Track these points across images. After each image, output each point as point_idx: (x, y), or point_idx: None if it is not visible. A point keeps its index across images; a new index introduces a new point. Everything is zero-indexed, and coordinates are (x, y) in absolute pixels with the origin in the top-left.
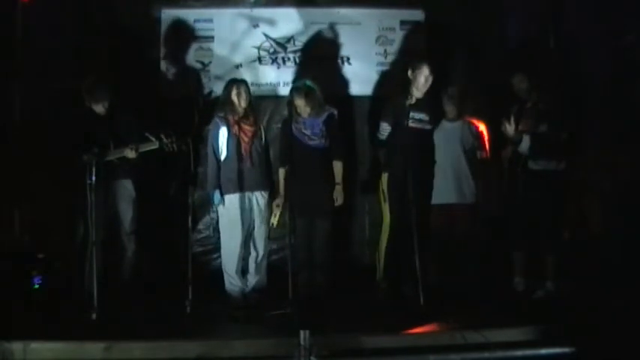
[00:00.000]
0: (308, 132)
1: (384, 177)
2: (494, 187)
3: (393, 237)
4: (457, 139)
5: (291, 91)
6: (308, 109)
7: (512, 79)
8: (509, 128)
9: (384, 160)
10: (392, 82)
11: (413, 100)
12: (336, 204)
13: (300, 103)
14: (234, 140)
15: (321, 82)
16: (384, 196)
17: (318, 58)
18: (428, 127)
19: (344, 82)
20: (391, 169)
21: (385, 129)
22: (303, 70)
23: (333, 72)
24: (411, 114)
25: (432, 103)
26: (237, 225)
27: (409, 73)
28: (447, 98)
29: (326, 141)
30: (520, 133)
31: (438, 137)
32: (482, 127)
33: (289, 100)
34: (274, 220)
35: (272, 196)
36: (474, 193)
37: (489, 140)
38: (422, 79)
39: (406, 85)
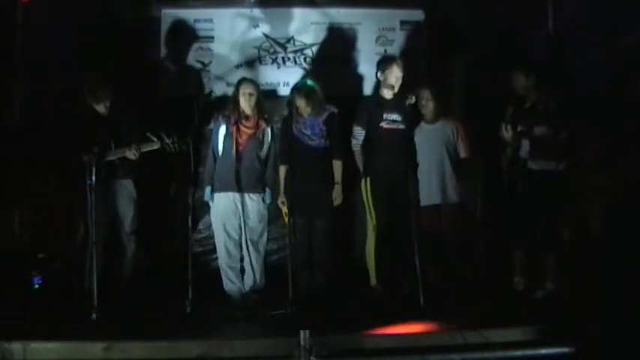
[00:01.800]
0: (308, 132)
1: (366, 182)
2: (479, 185)
3: (383, 241)
4: (438, 140)
5: (292, 91)
6: (309, 109)
7: (511, 80)
8: (507, 135)
9: (363, 165)
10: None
11: (412, 100)
12: (335, 203)
13: (300, 103)
14: (230, 140)
15: (321, 82)
16: (368, 198)
17: (318, 58)
18: (402, 126)
19: (344, 82)
20: (372, 174)
21: (360, 133)
22: (302, 70)
23: (333, 72)
24: (384, 115)
25: (403, 102)
26: (224, 223)
27: (378, 74)
28: (421, 101)
29: (326, 141)
30: (519, 135)
31: (420, 139)
32: (462, 128)
33: (289, 100)
34: (286, 219)
35: (264, 199)
36: (459, 192)
37: (470, 139)
38: (392, 79)
39: (376, 86)
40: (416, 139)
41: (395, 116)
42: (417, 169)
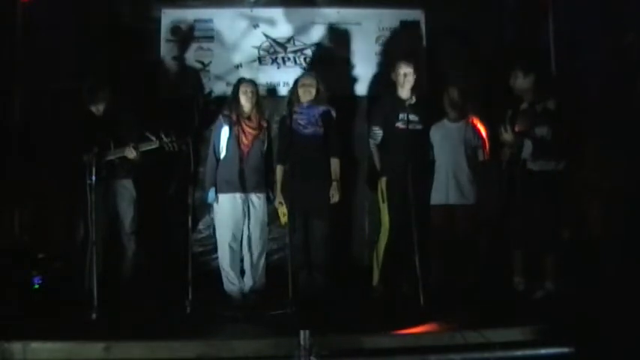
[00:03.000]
0: (303, 122)
1: (383, 181)
2: (494, 188)
3: (393, 238)
4: (459, 139)
5: (301, 75)
6: (312, 89)
7: (511, 79)
8: (506, 135)
9: (380, 164)
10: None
11: (412, 100)
12: (332, 201)
13: (307, 81)
14: (234, 140)
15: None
16: (383, 197)
17: (318, 58)
18: (419, 127)
19: (344, 82)
20: (389, 174)
21: (377, 133)
22: (302, 70)
23: (332, 72)
24: (400, 115)
25: (421, 102)
26: (230, 224)
27: (392, 75)
28: (447, 99)
29: (321, 129)
30: (519, 135)
31: (440, 137)
32: (483, 128)
33: (289, 100)
34: (283, 219)
35: (268, 198)
36: (475, 193)
37: (490, 141)
38: (406, 79)
39: (391, 86)
40: (436, 136)
41: (411, 116)
42: (433, 166)
